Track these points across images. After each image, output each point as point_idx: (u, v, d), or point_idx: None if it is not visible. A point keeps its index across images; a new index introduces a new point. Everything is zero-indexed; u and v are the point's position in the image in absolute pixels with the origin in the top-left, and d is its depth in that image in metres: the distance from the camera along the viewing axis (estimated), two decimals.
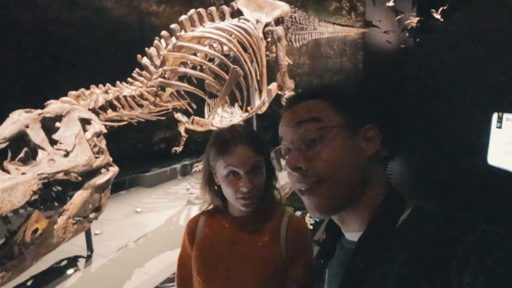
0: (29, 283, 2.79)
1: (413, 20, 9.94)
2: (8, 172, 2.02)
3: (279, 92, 5.65)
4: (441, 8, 8.97)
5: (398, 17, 10.27)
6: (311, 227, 3.82)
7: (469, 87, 4.51)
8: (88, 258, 3.28)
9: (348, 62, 11.08)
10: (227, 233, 1.10)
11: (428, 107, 5.94)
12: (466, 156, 4.26)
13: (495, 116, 3.49)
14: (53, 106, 2.51)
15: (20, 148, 2.29)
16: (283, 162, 0.72)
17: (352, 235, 0.66)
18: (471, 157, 4.08)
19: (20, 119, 2.21)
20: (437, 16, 9.05)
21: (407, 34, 10.28)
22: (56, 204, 2.49)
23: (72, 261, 3.20)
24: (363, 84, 10.45)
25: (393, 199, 0.62)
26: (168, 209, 4.73)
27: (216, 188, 1.12)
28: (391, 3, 10.10)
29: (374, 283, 0.56)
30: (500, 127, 3.41)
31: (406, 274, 0.51)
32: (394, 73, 9.29)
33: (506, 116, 3.33)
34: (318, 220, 3.87)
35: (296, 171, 0.63)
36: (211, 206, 1.18)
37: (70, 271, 3.00)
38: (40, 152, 2.23)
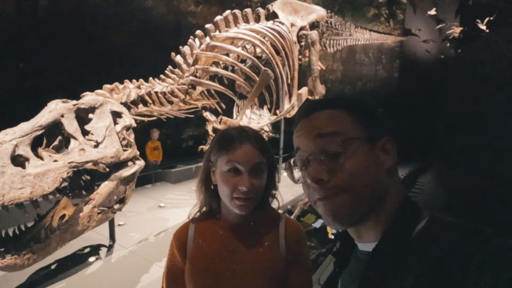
0: (52, 267, 2.90)
1: (456, 30, 9.46)
2: (41, 158, 2.10)
3: (309, 97, 5.55)
4: (487, 19, 8.46)
5: (439, 26, 9.81)
6: (332, 236, 3.71)
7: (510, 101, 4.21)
8: (110, 247, 3.36)
9: (383, 71, 10.73)
10: (223, 241, 1.03)
11: (466, 121, 5.61)
12: (505, 172, 3.98)
13: None
14: (88, 98, 2.60)
15: (55, 136, 2.39)
16: (296, 173, 0.71)
17: (367, 245, 0.64)
18: (510, 172, 3.81)
19: (56, 108, 2.30)
20: (482, 26, 8.54)
21: (448, 44, 9.79)
22: (83, 192, 2.57)
23: (95, 249, 3.30)
24: (398, 94, 10.08)
25: (408, 210, 0.61)
26: (191, 206, 4.67)
27: (212, 188, 1.06)
28: (433, 12, 9.68)
29: None
30: None
31: (420, 285, 0.50)
32: (431, 84, 8.87)
33: None
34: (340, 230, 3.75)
35: (317, 183, 0.61)
36: (203, 209, 1.11)
37: (91, 259, 3.09)
38: (72, 141, 2.31)
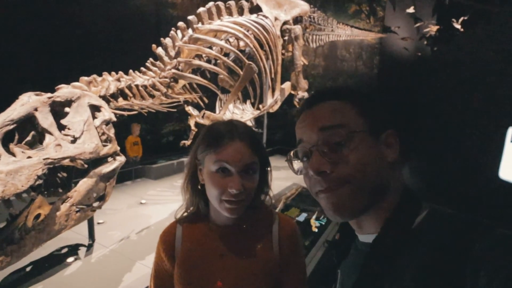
0: (28, 269, 2.75)
1: (432, 29, 9.73)
2: (13, 155, 1.97)
3: (292, 92, 5.56)
4: (462, 18, 8.75)
5: (418, 24, 10.05)
6: (316, 230, 3.73)
7: (486, 100, 4.39)
8: (89, 247, 3.24)
9: (364, 67, 10.90)
10: (213, 244, 0.97)
11: (442, 118, 5.81)
12: (477, 169, 4.15)
13: (510, 130, 3.40)
14: (64, 91, 2.47)
15: (28, 131, 2.24)
16: (296, 164, 0.70)
17: (367, 236, 0.65)
18: (482, 170, 3.98)
19: (29, 101, 2.16)
20: (457, 26, 8.83)
21: (425, 42, 10.07)
22: (60, 190, 2.44)
23: (73, 249, 3.16)
24: (377, 90, 10.29)
25: (409, 202, 0.61)
26: (173, 202, 4.66)
27: (199, 187, 0.99)
28: (411, 10, 9.91)
29: (389, 285, 0.55)
30: None
31: (420, 277, 0.50)
32: (409, 81, 9.11)
33: None
34: (323, 223, 3.78)
35: (320, 175, 0.61)
36: (190, 209, 1.04)
37: (70, 259, 2.96)
38: (47, 136, 2.18)
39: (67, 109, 2.39)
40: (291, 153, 0.70)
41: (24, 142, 2.21)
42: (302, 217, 4.03)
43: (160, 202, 4.73)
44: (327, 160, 0.60)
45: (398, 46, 10.33)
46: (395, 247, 0.57)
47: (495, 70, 4.21)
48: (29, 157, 1.99)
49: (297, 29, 5.17)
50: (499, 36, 4.32)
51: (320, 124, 0.63)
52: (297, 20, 5.64)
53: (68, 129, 2.31)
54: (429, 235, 0.54)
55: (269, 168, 1.02)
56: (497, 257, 0.44)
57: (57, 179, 2.49)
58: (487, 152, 3.88)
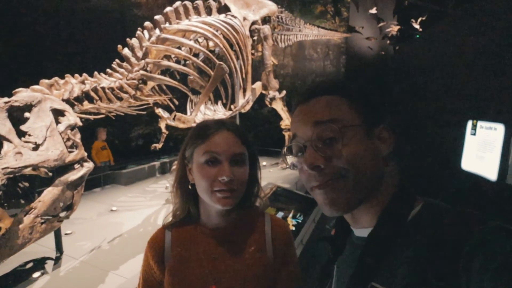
0: None
1: (394, 29, 10.21)
2: None
3: (263, 92, 5.60)
4: (420, 19, 9.27)
5: (380, 24, 10.50)
6: (293, 228, 3.77)
7: (446, 95, 4.65)
8: (57, 260, 3.06)
9: (331, 66, 11.21)
10: (205, 248, 0.94)
11: (406, 113, 6.09)
12: (440, 161, 4.38)
13: (469, 123, 3.61)
14: (22, 95, 2.30)
15: None
16: (289, 159, 0.70)
17: (362, 231, 0.65)
18: (445, 162, 4.20)
19: None
20: (416, 26, 9.34)
21: (387, 42, 10.54)
22: (22, 201, 2.29)
23: (39, 264, 2.97)
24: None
25: (403, 196, 0.62)
26: (146, 208, 4.54)
27: (190, 187, 0.97)
28: (373, 11, 10.33)
29: (384, 278, 0.55)
30: (474, 134, 3.53)
31: (415, 269, 0.51)
32: (374, 79, 9.49)
33: (480, 123, 3.45)
34: (300, 221, 3.83)
35: (314, 169, 0.61)
36: (179, 214, 1.00)
37: (36, 274, 2.78)
38: (5, 144, 2.03)
39: (27, 114, 2.23)
40: (286, 148, 0.70)
41: None
42: (278, 216, 4.07)
43: (132, 209, 4.57)
44: (320, 155, 0.60)
45: (363, 46, 10.72)
46: (390, 241, 0.58)
47: (453, 67, 4.47)
48: None
49: (266, 29, 5.20)
50: (455, 35, 4.61)
51: (314, 119, 0.63)
52: (265, 20, 5.68)
53: (29, 135, 2.16)
54: (424, 228, 0.55)
55: (258, 164, 1.02)
56: (490, 249, 0.45)
57: (18, 189, 2.33)
58: (449, 145, 4.10)
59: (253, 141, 0.97)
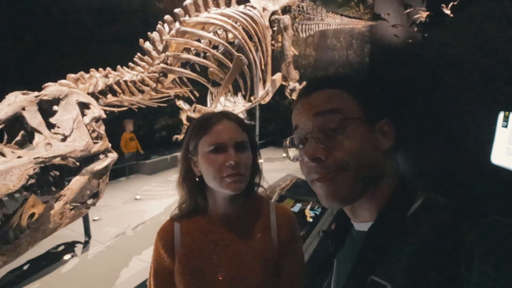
0: (25, 268, 2.77)
1: (422, 15, 9.74)
2: (3, 155, 1.96)
3: (283, 83, 5.56)
4: (451, 4, 8.78)
5: (407, 10, 10.06)
6: (311, 219, 3.78)
7: (477, 85, 4.42)
8: (86, 244, 3.26)
9: (355, 55, 10.91)
10: (214, 236, 0.97)
11: (434, 104, 5.86)
12: (469, 154, 4.20)
13: (501, 115, 3.42)
14: (51, 89, 2.45)
15: (17, 131, 2.23)
16: (291, 152, 0.70)
17: (363, 225, 0.65)
18: (474, 155, 4.02)
19: (16, 101, 2.14)
20: (447, 11, 8.86)
21: (415, 29, 10.08)
22: (53, 189, 2.44)
23: (70, 247, 3.18)
24: (369, 78, 10.31)
25: (404, 190, 0.62)
26: (168, 197, 4.69)
27: (197, 180, 0.99)
28: None
29: (384, 272, 0.55)
30: (506, 126, 3.35)
31: (415, 263, 0.51)
32: (400, 68, 9.15)
33: None
34: (318, 213, 3.83)
35: (315, 161, 0.61)
36: (185, 207, 1.03)
37: (67, 257, 2.98)
38: (36, 135, 2.18)
39: (55, 108, 2.38)
40: (287, 140, 0.70)
41: (14, 142, 2.21)
42: (296, 207, 4.08)
43: (154, 198, 4.75)
44: (321, 147, 0.60)
45: (389, 33, 10.33)
46: (390, 235, 0.57)
47: (484, 55, 4.24)
48: (19, 157, 1.98)
49: (286, 19, 5.14)
50: (488, 21, 4.35)
51: (315, 110, 0.63)
52: (285, 10, 5.61)
53: (58, 127, 2.31)
54: (424, 223, 0.54)
55: (258, 152, 1.04)
56: (491, 243, 0.45)
57: (49, 178, 2.49)
58: (479, 137, 3.91)
59: (253, 133, 1.01)
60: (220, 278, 0.92)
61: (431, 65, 6.56)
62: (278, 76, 5.15)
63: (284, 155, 0.73)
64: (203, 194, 1.01)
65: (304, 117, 0.65)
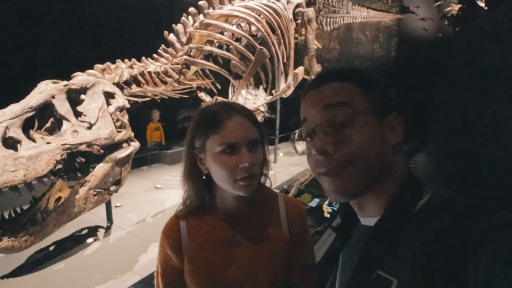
0: (51, 248, 2.92)
1: (454, 8, 9.29)
2: (33, 140, 2.06)
3: (306, 77, 5.49)
4: None
5: (438, 3, 9.63)
6: (328, 215, 3.75)
7: (509, 81, 4.21)
8: (108, 229, 3.39)
9: (380, 49, 10.59)
10: (224, 234, 0.92)
11: (463, 100, 5.61)
12: (499, 152, 4.02)
13: None
14: (79, 78, 2.54)
15: (47, 118, 2.34)
16: (299, 145, 0.70)
17: (369, 220, 0.65)
18: (504, 153, 3.85)
19: (46, 89, 2.24)
20: (481, 4, 8.40)
21: (446, 22, 9.64)
22: (79, 174, 2.55)
23: (92, 231, 3.32)
24: (395, 74, 10.00)
25: (411, 185, 0.61)
26: None
27: (204, 177, 0.93)
28: None
29: (390, 267, 0.55)
30: None
31: (421, 259, 0.51)
32: (428, 63, 8.80)
33: None
34: (336, 209, 3.79)
35: (323, 155, 0.60)
36: (190, 203, 0.97)
37: (89, 240, 3.12)
38: (64, 123, 2.27)
39: (82, 96, 2.46)
40: (295, 133, 0.69)
41: (43, 128, 2.32)
42: (314, 202, 4.05)
43: (174, 187, 4.86)
44: (329, 140, 0.60)
45: (418, 27, 9.95)
46: (397, 230, 0.57)
47: None
48: (48, 142, 2.08)
49: (310, 12, 5.05)
50: None
51: (324, 102, 0.62)
52: (310, 2, 5.51)
53: (84, 115, 2.39)
54: (431, 218, 0.54)
55: (267, 142, 0.98)
56: (498, 240, 0.44)
57: (75, 164, 2.60)
58: (503, 137, 3.74)
59: (262, 124, 0.93)
60: (233, 276, 0.89)
61: (461, 60, 6.27)
62: (300, 69, 5.09)
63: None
64: (210, 190, 0.96)
65: (312, 109, 0.64)
